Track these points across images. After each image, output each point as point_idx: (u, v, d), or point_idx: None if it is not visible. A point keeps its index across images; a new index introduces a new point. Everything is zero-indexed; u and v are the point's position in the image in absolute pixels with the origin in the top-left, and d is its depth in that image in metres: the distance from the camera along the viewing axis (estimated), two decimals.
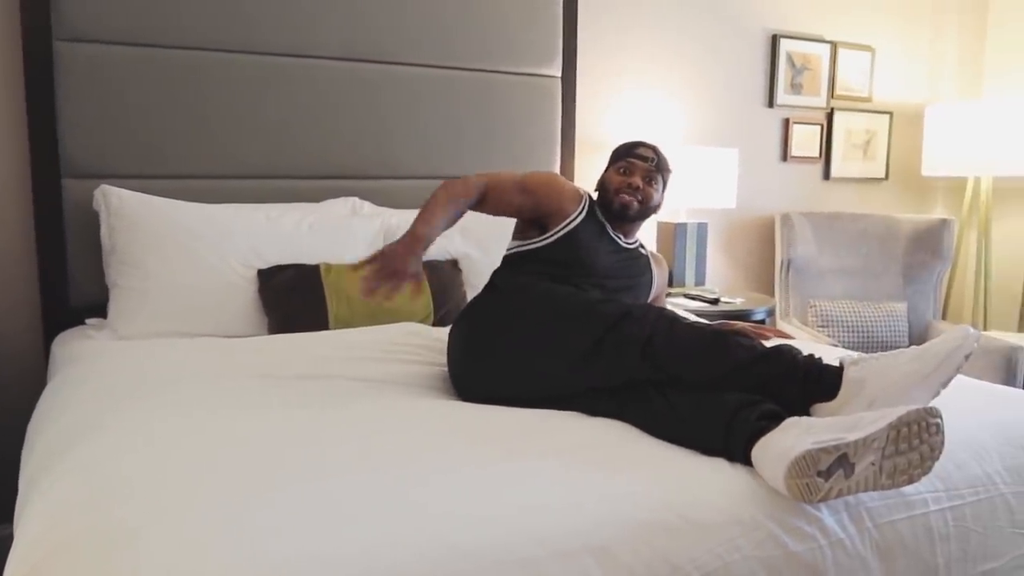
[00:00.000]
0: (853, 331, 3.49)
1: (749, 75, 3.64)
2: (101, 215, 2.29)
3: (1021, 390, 1.90)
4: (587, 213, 2.00)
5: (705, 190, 3.23)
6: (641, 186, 2.01)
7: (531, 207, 1.95)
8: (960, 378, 1.89)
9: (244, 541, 1.00)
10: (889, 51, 3.99)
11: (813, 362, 1.45)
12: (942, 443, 1.22)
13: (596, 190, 2.09)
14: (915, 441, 1.19)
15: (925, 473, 1.22)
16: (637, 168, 2.03)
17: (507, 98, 2.95)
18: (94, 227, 2.31)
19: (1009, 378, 3.10)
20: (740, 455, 1.30)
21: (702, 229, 3.33)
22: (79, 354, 2.01)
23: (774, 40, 3.65)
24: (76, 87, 2.30)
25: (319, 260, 2.36)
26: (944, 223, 3.68)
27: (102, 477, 1.20)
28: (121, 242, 2.25)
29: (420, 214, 1.76)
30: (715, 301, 3.08)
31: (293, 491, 1.14)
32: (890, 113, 4.02)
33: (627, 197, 2.00)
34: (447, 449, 1.32)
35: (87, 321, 2.32)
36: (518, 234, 2.00)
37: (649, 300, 2.13)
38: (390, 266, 1.62)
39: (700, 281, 3.35)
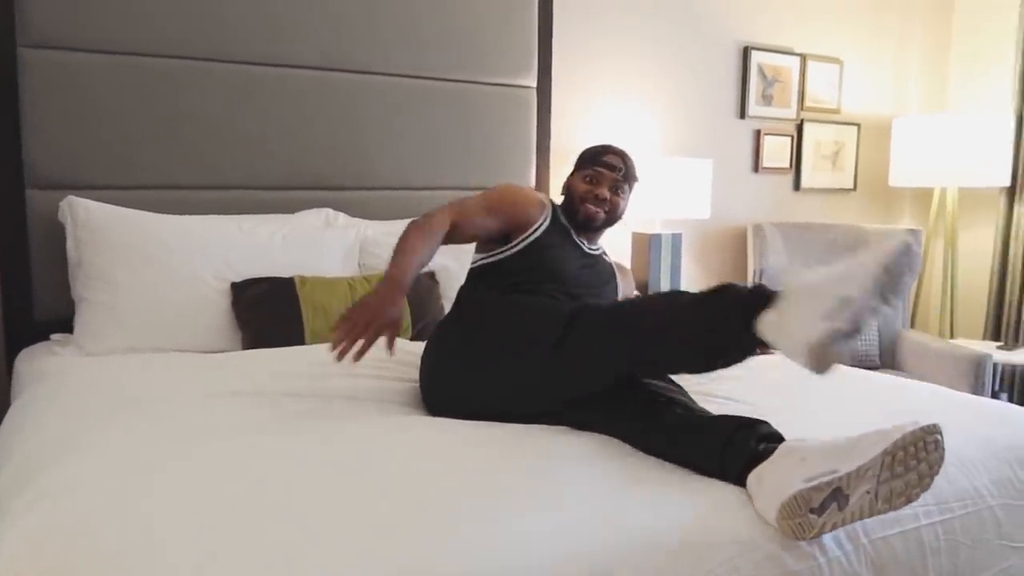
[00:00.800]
0: None
1: (721, 87, 3.67)
2: (67, 227, 2.22)
3: (1004, 403, 1.92)
4: (551, 220, 1.96)
5: (680, 201, 3.23)
6: (608, 197, 1.97)
7: (500, 226, 1.88)
8: (946, 393, 1.91)
9: (240, 567, 0.98)
10: (856, 63, 4.04)
11: (758, 287, 1.37)
12: (942, 459, 1.19)
13: (561, 194, 2.05)
14: (912, 462, 1.17)
15: (924, 490, 1.20)
16: (604, 178, 1.97)
17: (483, 108, 2.93)
18: (59, 239, 2.24)
19: (978, 385, 3.14)
20: (734, 478, 1.29)
21: (676, 239, 3.33)
22: (46, 371, 1.94)
23: (745, 52, 3.68)
24: (42, 95, 2.23)
25: (293, 272, 2.31)
26: (911, 233, 3.73)
27: (86, 500, 1.15)
28: (88, 255, 2.18)
29: (393, 257, 1.65)
30: None
31: (287, 517, 1.10)
32: (858, 124, 4.08)
33: (593, 208, 1.96)
34: (435, 475, 1.29)
35: (52, 337, 2.25)
36: (481, 247, 1.95)
37: None
38: (366, 316, 1.50)
39: None
